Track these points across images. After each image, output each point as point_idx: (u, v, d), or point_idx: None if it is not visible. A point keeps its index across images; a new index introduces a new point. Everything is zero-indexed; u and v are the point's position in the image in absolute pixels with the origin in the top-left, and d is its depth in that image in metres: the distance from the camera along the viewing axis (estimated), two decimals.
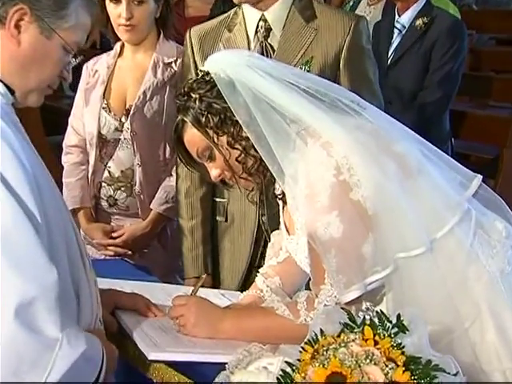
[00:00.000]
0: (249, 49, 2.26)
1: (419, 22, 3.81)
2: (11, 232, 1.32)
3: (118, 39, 2.70)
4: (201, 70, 1.78)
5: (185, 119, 1.73)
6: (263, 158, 1.67)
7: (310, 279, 1.80)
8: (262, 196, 2.22)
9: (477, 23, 5.76)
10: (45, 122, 4.39)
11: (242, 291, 2.22)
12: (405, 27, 3.86)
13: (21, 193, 1.35)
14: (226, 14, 2.38)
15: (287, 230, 1.83)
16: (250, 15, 2.26)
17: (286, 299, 1.81)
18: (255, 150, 1.68)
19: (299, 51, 2.22)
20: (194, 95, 1.72)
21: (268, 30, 2.25)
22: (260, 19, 2.25)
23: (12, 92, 1.49)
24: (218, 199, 2.38)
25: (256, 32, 2.26)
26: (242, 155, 1.71)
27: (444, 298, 1.61)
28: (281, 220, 1.88)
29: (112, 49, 2.77)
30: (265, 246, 2.29)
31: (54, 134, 4.12)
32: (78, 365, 1.34)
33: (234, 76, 1.69)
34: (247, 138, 1.69)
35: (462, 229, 1.66)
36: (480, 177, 1.73)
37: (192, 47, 2.34)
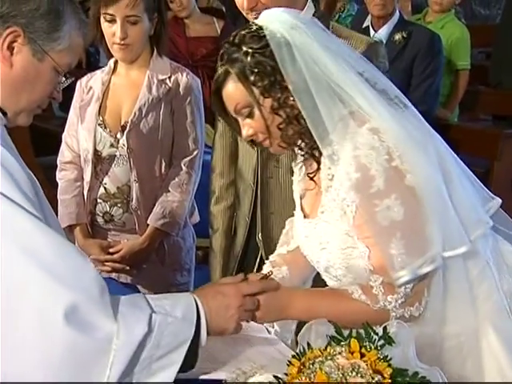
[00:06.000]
0: None
1: (398, 36, 3.86)
2: (34, 239, 1.32)
3: (112, 56, 2.71)
4: (255, 23, 1.69)
5: (230, 70, 1.64)
6: (311, 130, 1.60)
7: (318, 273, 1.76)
8: (253, 214, 2.26)
9: None
10: (35, 143, 4.38)
11: None
12: (382, 42, 3.90)
13: (26, 206, 1.36)
14: None
15: (304, 215, 1.77)
16: None
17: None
18: (297, 120, 1.62)
19: None
20: (244, 48, 1.63)
21: None
22: None
23: (4, 113, 1.51)
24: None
25: None
26: (284, 123, 1.64)
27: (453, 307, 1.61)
28: (296, 202, 1.84)
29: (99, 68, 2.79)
30: (260, 264, 2.30)
31: (44, 155, 4.14)
32: (146, 339, 1.32)
33: (292, 39, 1.61)
34: (292, 107, 1.62)
35: (482, 244, 1.66)
36: (499, 200, 1.73)
37: None
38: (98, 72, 2.79)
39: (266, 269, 1.89)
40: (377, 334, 1.35)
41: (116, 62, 2.74)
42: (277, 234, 2.25)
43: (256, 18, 2.14)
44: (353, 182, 1.56)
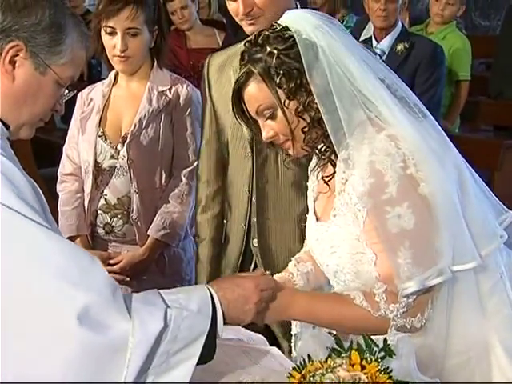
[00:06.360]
0: None
1: (400, 47, 3.87)
2: (44, 247, 1.33)
3: (113, 68, 2.73)
4: (278, 24, 1.66)
5: (253, 70, 1.61)
6: (330, 134, 1.58)
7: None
8: (251, 219, 2.25)
9: None
10: (36, 155, 4.41)
11: None
12: (385, 52, 3.92)
13: (32, 216, 1.36)
14: (243, 42, 2.42)
15: (317, 217, 1.76)
16: None
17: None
18: (320, 124, 1.60)
19: None
20: (269, 48, 1.60)
21: None
22: None
23: (6, 126, 1.51)
24: (224, 221, 2.41)
25: None
26: (308, 126, 1.61)
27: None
28: (309, 206, 1.82)
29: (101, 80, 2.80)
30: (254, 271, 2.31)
31: (46, 167, 4.15)
32: (162, 334, 1.32)
33: (317, 40, 1.58)
34: (317, 110, 1.59)
35: (495, 257, 1.65)
36: None
37: (208, 72, 2.37)
38: (99, 84, 2.80)
39: (290, 266, 1.88)
40: (377, 346, 1.34)
41: (117, 74, 2.75)
42: (273, 240, 2.25)
43: (251, 24, 2.16)
44: (366, 187, 1.54)
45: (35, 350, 1.29)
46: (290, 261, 2.20)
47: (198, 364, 1.38)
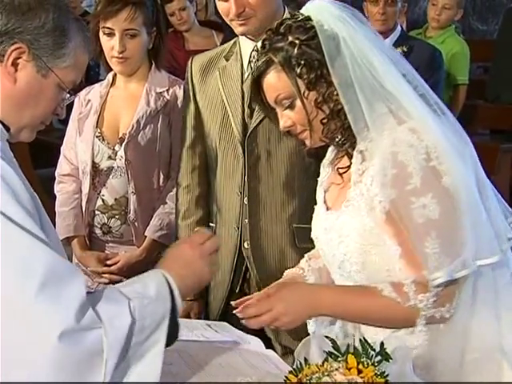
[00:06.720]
0: (242, 78, 2.28)
1: (399, 50, 3.87)
2: (30, 254, 1.34)
3: (111, 69, 2.73)
4: (301, 13, 1.65)
5: (273, 59, 1.61)
6: (351, 125, 1.58)
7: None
8: (243, 221, 2.25)
9: None
10: (33, 156, 4.40)
11: (222, 318, 2.22)
12: None
13: (26, 225, 1.36)
14: (226, 44, 2.43)
15: (327, 207, 1.74)
16: (245, 45, 2.29)
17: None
18: (339, 116, 1.60)
19: None
20: (290, 38, 1.60)
21: None
22: (253, 49, 2.24)
23: (7, 128, 1.51)
24: (210, 224, 2.39)
25: (249, 62, 2.27)
26: (327, 118, 1.61)
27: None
28: (318, 196, 1.80)
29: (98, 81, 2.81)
30: (246, 273, 2.31)
31: (43, 168, 4.14)
32: (132, 328, 1.37)
33: (339, 32, 1.58)
34: (337, 101, 1.59)
35: (509, 259, 1.65)
36: None
37: (192, 73, 2.38)
38: (97, 85, 2.80)
39: (302, 261, 1.88)
40: (374, 350, 1.34)
41: (115, 75, 2.76)
42: (265, 242, 2.24)
43: (242, 25, 2.16)
44: (388, 177, 1.54)
45: (13, 363, 1.31)
46: (283, 262, 2.21)
47: (165, 346, 1.43)
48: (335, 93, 1.58)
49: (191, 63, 2.39)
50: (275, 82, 1.63)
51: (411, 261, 1.56)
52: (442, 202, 1.52)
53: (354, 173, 1.62)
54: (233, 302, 1.75)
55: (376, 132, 1.56)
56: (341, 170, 1.68)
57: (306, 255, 1.89)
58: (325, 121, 1.62)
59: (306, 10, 1.65)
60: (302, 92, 1.60)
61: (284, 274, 1.89)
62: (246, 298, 1.74)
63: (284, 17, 2.17)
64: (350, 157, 1.64)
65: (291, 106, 1.63)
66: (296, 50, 1.58)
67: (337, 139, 1.64)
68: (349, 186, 1.63)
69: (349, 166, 1.65)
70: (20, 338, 1.31)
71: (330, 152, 1.79)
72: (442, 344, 1.48)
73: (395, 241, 1.57)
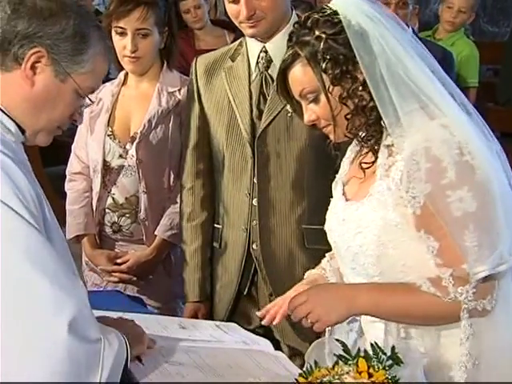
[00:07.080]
0: (250, 79, 2.28)
1: None
2: (38, 252, 1.36)
3: (122, 68, 2.74)
4: (329, 7, 1.65)
5: (299, 53, 1.62)
6: (383, 119, 1.58)
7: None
8: (251, 222, 2.25)
9: None
10: (42, 154, 4.39)
11: (229, 320, 2.22)
12: None
13: (28, 218, 1.38)
14: (231, 45, 2.42)
15: (346, 198, 1.73)
16: (253, 46, 2.28)
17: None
18: (364, 112, 1.60)
19: None
20: (317, 32, 1.60)
21: (269, 61, 2.25)
22: (261, 50, 2.26)
23: (23, 131, 1.53)
24: (216, 225, 2.39)
25: (257, 63, 2.27)
26: (351, 113, 1.61)
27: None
28: (336, 189, 1.79)
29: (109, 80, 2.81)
30: (254, 275, 2.31)
31: (52, 165, 4.16)
32: (118, 358, 1.45)
33: (368, 28, 1.58)
34: (362, 97, 1.60)
35: None
36: None
37: (196, 74, 2.38)
38: (108, 84, 2.80)
39: (323, 261, 1.87)
40: (385, 354, 1.34)
41: (126, 74, 2.76)
42: (274, 243, 2.24)
43: (252, 27, 2.16)
44: (423, 172, 1.53)
45: (21, 350, 1.34)
46: (292, 263, 2.21)
47: None
48: (360, 88, 1.59)
49: (195, 64, 2.39)
50: (301, 76, 1.63)
51: (449, 255, 1.55)
52: (477, 195, 1.52)
53: (381, 167, 1.61)
54: (258, 313, 1.79)
55: (409, 127, 1.56)
56: (364, 166, 1.67)
57: (327, 255, 1.87)
58: (349, 116, 1.62)
59: (333, 4, 1.64)
60: (327, 87, 1.60)
61: (305, 275, 1.89)
62: (270, 305, 1.79)
63: (291, 19, 2.20)
64: (375, 152, 1.64)
65: (316, 101, 1.64)
66: (322, 44, 1.59)
67: (362, 135, 1.65)
68: (372, 181, 1.63)
69: (373, 162, 1.65)
70: (33, 325, 1.34)
71: (350, 151, 1.79)
72: (486, 337, 1.48)
73: (432, 236, 1.56)
